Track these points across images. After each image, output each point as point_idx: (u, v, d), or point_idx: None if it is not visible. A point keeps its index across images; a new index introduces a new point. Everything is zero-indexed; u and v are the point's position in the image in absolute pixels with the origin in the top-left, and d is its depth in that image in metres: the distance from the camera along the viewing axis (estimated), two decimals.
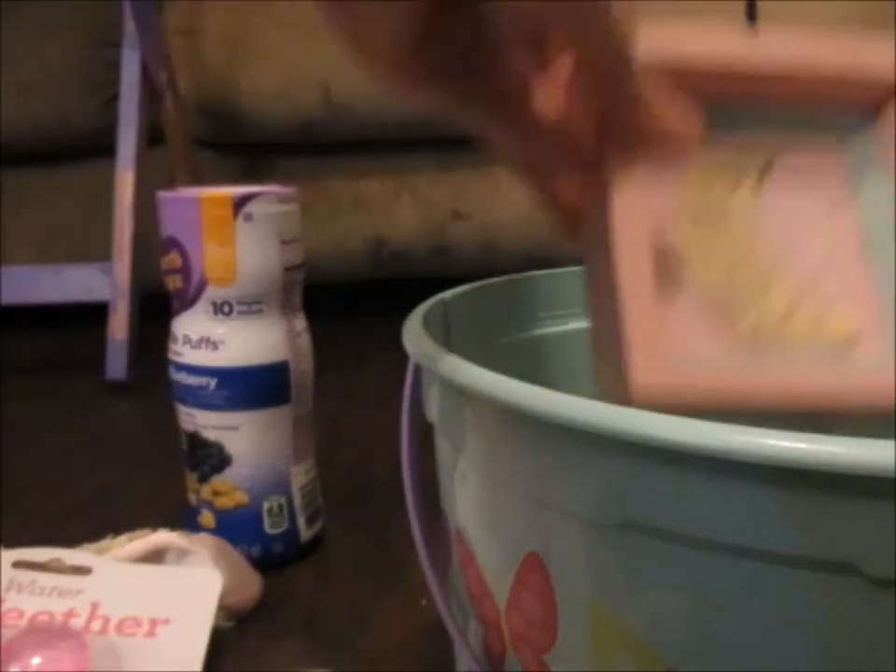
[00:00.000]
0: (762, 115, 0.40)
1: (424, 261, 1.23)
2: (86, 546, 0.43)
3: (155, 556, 0.43)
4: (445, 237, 1.21)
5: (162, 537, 0.43)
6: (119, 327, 0.94)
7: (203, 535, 0.45)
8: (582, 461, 0.22)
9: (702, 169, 0.40)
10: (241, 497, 0.49)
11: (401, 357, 0.32)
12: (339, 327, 1.23)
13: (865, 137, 0.40)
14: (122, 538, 0.43)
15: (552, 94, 0.24)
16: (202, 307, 0.47)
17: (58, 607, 0.37)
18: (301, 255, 0.49)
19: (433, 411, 0.30)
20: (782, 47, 0.37)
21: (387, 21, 0.21)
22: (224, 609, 0.43)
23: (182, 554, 0.44)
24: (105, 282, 0.95)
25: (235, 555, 0.46)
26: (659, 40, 0.36)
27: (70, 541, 0.53)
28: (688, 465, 0.20)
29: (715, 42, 0.37)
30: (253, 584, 0.46)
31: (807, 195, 0.40)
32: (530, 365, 0.46)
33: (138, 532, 0.44)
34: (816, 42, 0.37)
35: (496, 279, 0.44)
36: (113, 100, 1.11)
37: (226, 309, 0.47)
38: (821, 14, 1.04)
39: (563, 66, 0.24)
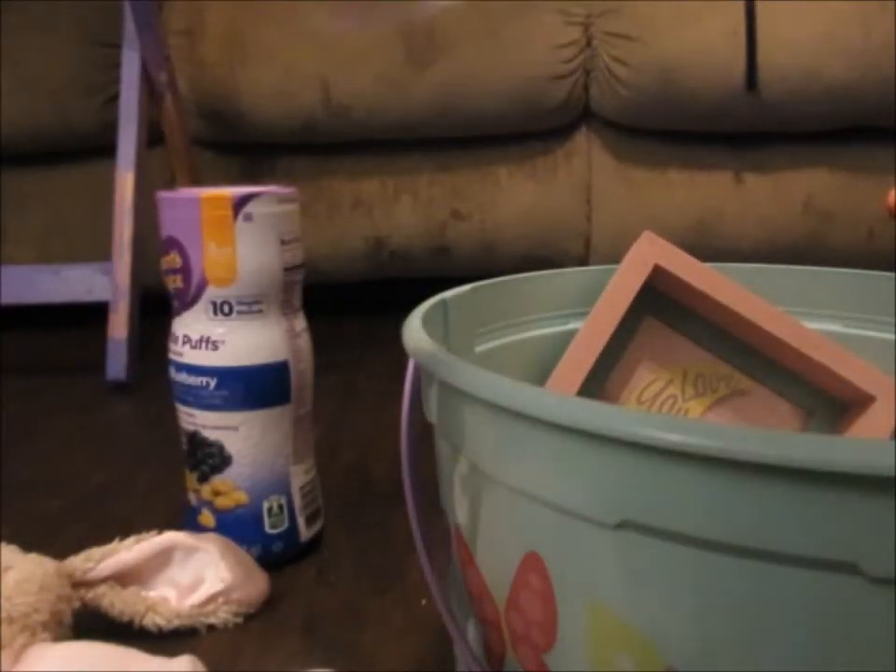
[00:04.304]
0: (755, 354, 0.47)
1: (424, 261, 1.23)
2: (94, 549, 0.43)
3: (163, 556, 0.43)
4: (445, 237, 1.21)
5: (169, 537, 0.43)
6: (119, 327, 0.94)
7: (209, 534, 0.45)
8: (582, 461, 0.22)
9: (691, 367, 0.47)
10: (241, 497, 0.49)
11: (401, 356, 0.32)
12: (339, 327, 1.23)
13: (828, 416, 0.46)
14: (129, 540, 0.43)
15: None
16: (202, 307, 0.47)
17: None
18: (301, 255, 0.49)
19: (433, 411, 0.30)
20: (793, 325, 0.44)
21: None
22: (231, 605, 0.43)
23: (189, 553, 0.44)
24: (105, 282, 0.95)
25: (242, 553, 0.46)
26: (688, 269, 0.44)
27: (70, 541, 0.53)
28: (688, 465, 0.20)
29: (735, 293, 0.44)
30: (260, 581, 0.46)
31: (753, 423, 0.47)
32: (530, 365, 0.46)
33: (144, 534, 0.44)
34: (819, 340, 0.44)
35: (495, 279, 0.44)
36: (113, 100, 1.11)
37: (226, 309, 0.47)
38: (821, 14, 1.04)
39: None
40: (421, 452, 0.33)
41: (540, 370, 0.46)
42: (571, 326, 0.47)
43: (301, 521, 0.51)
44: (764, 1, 1.05)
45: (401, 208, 1.20)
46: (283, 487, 0.50)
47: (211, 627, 0.43)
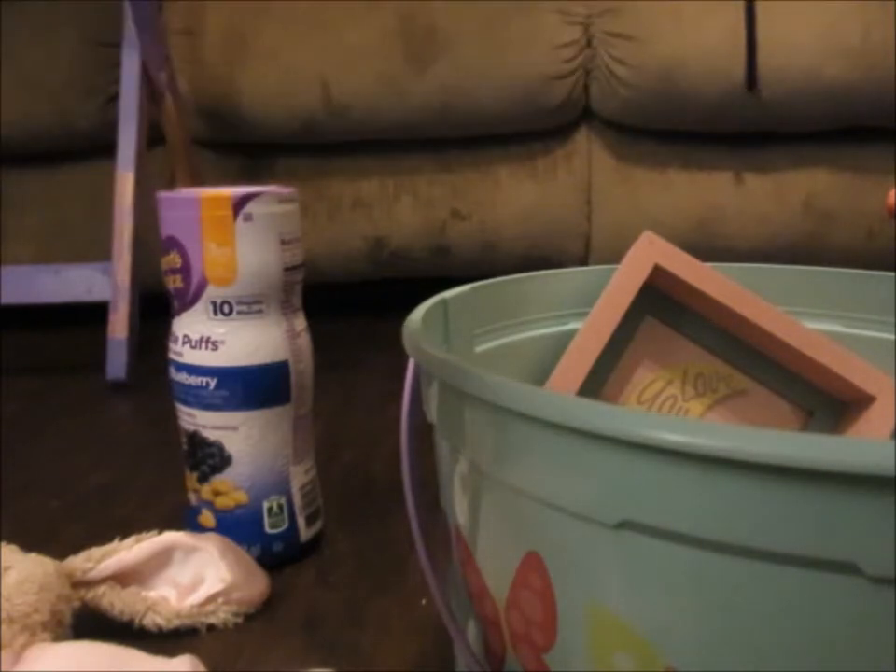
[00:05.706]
0: (755, 354, 0.47)
1: (424, 261, 1.23)
2: (94, 549, 0.43)
3: (163, 556, 0.43)
4: (445, 237, 1.21)
5: (169, 536, 0.44)
6: (119, 327, 0.94)
7: (209, 534, 0.45)
8: (582, 461, 0.22)
9: (691, 367, 0.48)
10: (241, 497, 0.49)
11: (401, 356, 0.32)
12: (339, 327, 1.23)
13: (828, 416, 0.47)
14: (129, 540, 0.43)
15: None
16: (201, 307, 0.47)
17: None
18: (301, 255, 0.49)
19: (433, 411, 0.30)
20: (793, 325, 0.44)
21: None
22: (231, 605, 0.43)
23: (189, 553, 0.44)
24: (105, 282, 0.95)
25: (242, 553, 0.46)
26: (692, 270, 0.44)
27: (70, 541, 0.53)
28: (688, 465, 0.20)
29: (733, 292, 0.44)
30: (260, 581, 0.46)
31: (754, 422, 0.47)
32: (529, 365, 0.46)
33: (144, 534, 0.44)
34: (819, 340, 0.44)
35: (495, 279, 0.44)
36: (113, 100, 1.11)
37: (226, 309, 0.47)
38: (821, 14, 1.04)
39: None
40: (421, 452, 0.33)
41: (540, 370, 0.46)
42: (571, 326, 0.47)
43: (301, 521, 0.51)
44: (764, 1, 1.05)
45: (401, 208, 1.20)
46: (283, 487, 0.50)
47: (211, 627, 0.43)
